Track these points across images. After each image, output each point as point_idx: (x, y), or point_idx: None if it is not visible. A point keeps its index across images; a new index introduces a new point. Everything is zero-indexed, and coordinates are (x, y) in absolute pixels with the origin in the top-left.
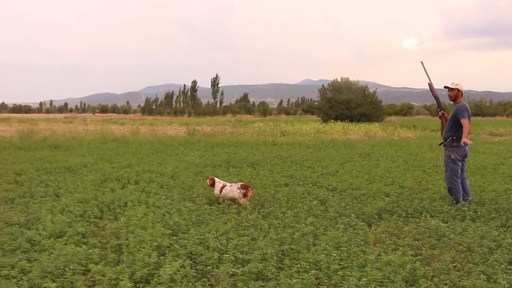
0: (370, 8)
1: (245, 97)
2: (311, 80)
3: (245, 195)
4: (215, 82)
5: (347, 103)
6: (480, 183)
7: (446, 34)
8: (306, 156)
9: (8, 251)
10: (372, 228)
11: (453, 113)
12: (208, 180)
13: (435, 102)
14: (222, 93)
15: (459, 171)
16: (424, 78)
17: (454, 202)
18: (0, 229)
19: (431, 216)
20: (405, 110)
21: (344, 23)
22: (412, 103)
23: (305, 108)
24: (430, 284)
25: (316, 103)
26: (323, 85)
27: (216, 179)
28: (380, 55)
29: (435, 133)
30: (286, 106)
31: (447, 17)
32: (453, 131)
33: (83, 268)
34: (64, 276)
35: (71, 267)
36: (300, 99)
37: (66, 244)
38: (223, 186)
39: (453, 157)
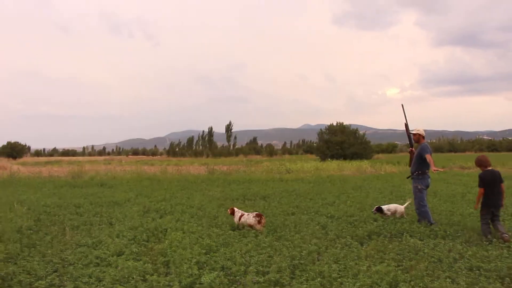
0: (359, 64)
1: (254, 140)
2: (310, 125)
3: (259, 222)
4: (228, 127)
5: (341, 143)
6: (450, 208)
7: (422, 83)
8: (308, 189)
9: (83, 265)
10: (364, 246)
11: (418, 152)
12: (228, 210)
13: (408, 140)
14: (235, 137)
15: (425, 198)
16: (403, 120)
17: (428, 224)
18: (73, 249)
19: (410, 236)
20: (390, 148)
21: (337, 77)
22: (396, 142)
23: (305, 148)
24: (408, 286)
25: (315, 144)
26: (320, 129)
27: (236, 209)
28: (368, 103)
29: None
30: (289, 147)
31: (422, 70)
32: (418, 166)
33: (142, 278)
34: (129, 283)
35: (133, 277)
36: (301, 141)
37: (127, 260)
38: (241, 215)
39: (419, 187)
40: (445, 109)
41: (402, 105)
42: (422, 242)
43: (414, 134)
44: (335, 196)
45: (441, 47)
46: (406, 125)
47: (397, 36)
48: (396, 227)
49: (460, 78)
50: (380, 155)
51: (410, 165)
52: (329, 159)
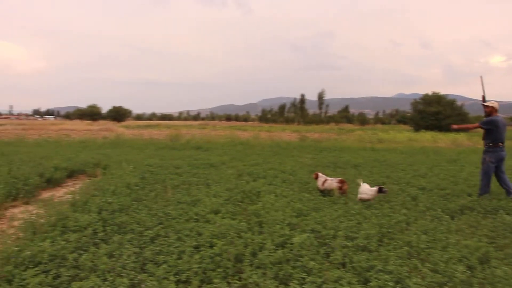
0: (458, 29)
1: (346, 108)
2: (404, 94)
3: (341, 188)
4: (321, 95)
5: (436, 114)
6: None
7: None
8: (399, 160)
9: (185, 220)
10: (454, 220)
11: (482, 122)
12: (313, 175)
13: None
14: (327, 105)
15: (491, 172)
16: (492, 91)
17: (478, 194)
18: (175, 205)
19: (507, 214)
20: None
21: (434, 44)
22: (498, 114)
23: (398, 118)
24: (500, 263)
25: (408, 114)
26: (414, 99)
27: (320, 174)
28: (468, 72)
29: None
30: (381, 116)
31: None
32: (487, 138)
33: (237, 235)
34: (226, 238)
35: (230, 233)
36: (394, 111)
37: (223, 218)
38: (325, 180)
39: (487, 159)
40: None
41: (481, 77)
42: None
43: (487, 107)
44: (428, 168)
45: None
46: (483, 97)
47: None
48: (491, 203)
49: None
50: (479, 128)
51: (483, 138)
52: (423, 130)
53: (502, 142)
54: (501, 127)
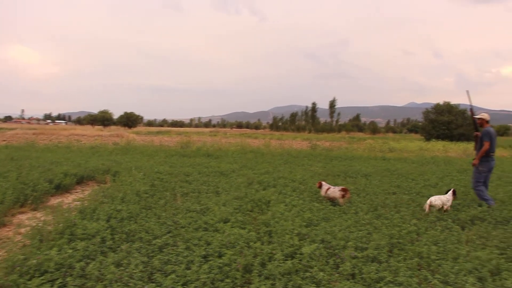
0: (470, 39)
1: (357, 117)
2: (415, 103)
3: (343, 196)
4: (332, 104)
5: (448, 124)
6: None
7: None
8: (410, 170)
9: (194, 229)
10: (465, 231)
11: (481, 136)
12: (317, 184)
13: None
14: (338, 114)
15: (482, 180)
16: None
17: (487, 206)
18: (184, 213)
19: None
20: (502, 131)
21: (446, 53)
22: (509, 124)
23: (409, 127)
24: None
25: (420, 124)
26: (426, 108)
27: (323, 183)
28: (479, 82)
29: None
30: (393, 125)
31: None
32: (480, 148)
33: (246, 245)
34: (235, 248)
35: (239, 243)
36: (405, 120)
37: (233, 228)
38: (328, 188)
39: (480, 168)
40: None
41: (467, 92)
42: None
43: (478, 119)
44: (439, 178)
45: None
46: (472, 110)
47: None
48: (502, 214)
49: None
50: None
51: (475, 148)
52: (434, 140)
53: (493, 152)
54: (494, 138)
